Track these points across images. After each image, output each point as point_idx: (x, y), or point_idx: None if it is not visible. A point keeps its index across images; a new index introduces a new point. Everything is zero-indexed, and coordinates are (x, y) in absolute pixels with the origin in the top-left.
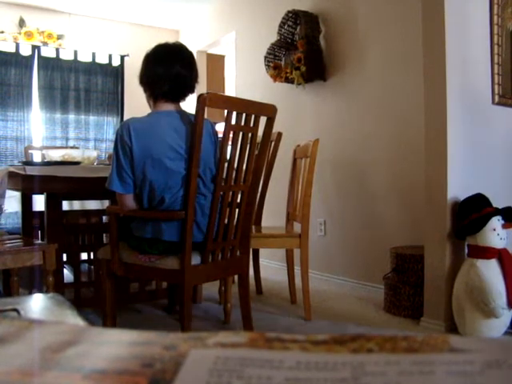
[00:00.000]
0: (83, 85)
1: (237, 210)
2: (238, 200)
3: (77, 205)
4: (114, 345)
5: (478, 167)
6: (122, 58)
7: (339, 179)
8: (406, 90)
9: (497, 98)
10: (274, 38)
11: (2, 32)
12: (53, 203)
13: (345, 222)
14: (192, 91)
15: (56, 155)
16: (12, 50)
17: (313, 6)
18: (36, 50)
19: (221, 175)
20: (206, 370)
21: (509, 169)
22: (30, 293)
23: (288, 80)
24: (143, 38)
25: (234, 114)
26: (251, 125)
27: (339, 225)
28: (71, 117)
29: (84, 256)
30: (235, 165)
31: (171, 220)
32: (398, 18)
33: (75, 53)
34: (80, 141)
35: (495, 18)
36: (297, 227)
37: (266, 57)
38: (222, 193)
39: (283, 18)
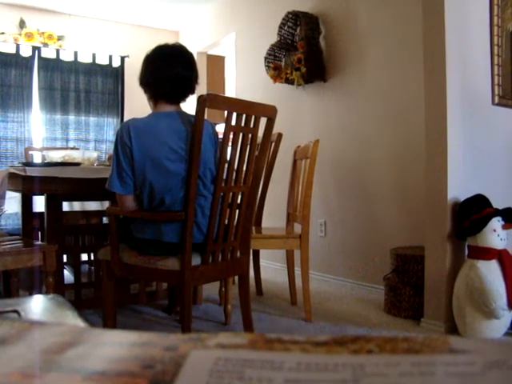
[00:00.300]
0: (83, 86)
1: (237, 210)
2: (238, 201)
3: (77, 206)
4: (115, 346)
5: (478, 168)
6: (122, 58)
7: (339, 180)
8: (406, 90)
9: (497, 98)
10: (274, 38)
11: (3, 33)
12: (53, 204)
13: (345, 222)
14: (192, 92)
15: (56, 156)
16: (12, 51)
17: (313, 7)
18: (36, 51)
19: (221, 176)
20: (207, 371)
21: (509, 169)
22: (30, 294)
23: (288, 81)
24: (143, 39)
25: (234, 114)
26: (251, 126)
27: (339, 226)
28: (71, 118)
29: (84, 257)
30: (235, 166)
31: (171, 221)
32: (398, 18)
33: (75, 54)
34: (80, 142)
35: (495, 18)
36: (297, 228)
37: (266, 58)
38: (222, 194)
39: (283, 19)
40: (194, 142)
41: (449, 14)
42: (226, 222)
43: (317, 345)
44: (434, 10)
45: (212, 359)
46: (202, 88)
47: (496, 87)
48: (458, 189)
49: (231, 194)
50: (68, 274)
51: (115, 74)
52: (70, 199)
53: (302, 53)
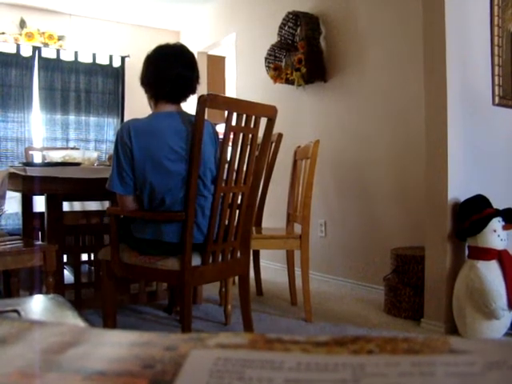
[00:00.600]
0: (84, 86)
1: (237, 211)
2: (239, 201)
3: (77, 206)
4: (115, 346)
5: (478, 168)
6: (123, 58)
7: (340, 180)
8: (407, 91)
9: (497, 99)
10: (274, 39)
11: (3, 33)
12: (53, 204)
13: (345, 223)
14: (193, 92)
15: (56, 156)
16: (13, 50)
17: (313, 7)
18: (37, 51)
19: (221, 176)
20: (207, 371)
21: (509, 170)
22: (31, 294)
23: (288, 81)
24: (144, 39)
25: (235, 115)
26: (252, 126)
27: (340, 226)
28: (71, 118)
29: (84, 257)
30: (235, 166)
31: (171, 221)
32: (399, 19)
33: (76, 54)
34: (80, 142)
35: (495, 19)
36: (297, 228)
37: (266, 58)
38: (222, 194)
39: (283, 20)
40: (194, 141)
41: (449, 14)
42: (226, 222)
43: (317, 345)
44: (434, 10)
45: (212, 359)
46: (202, 88)
47: (496, 87)
48: (459, 189)
49: (231, 194)
50: (68, 274)
51: (116, 74)
52: (71, 199)
53: (303, 53)
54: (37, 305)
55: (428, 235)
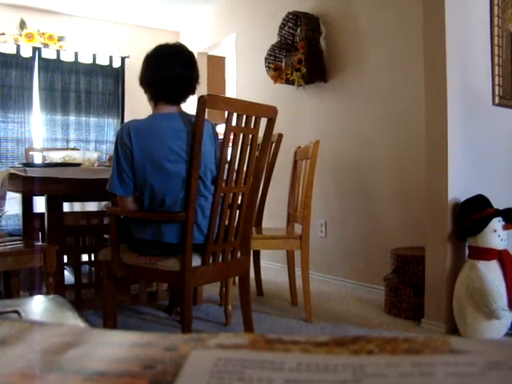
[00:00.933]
0: (84, 86)
1: (237, 211)
2: (239, 201)
3: (77, 206)
4: (115, 346)
5: (478, 168)
6: (123, 59)
7: (340, 180)
8: (407, 91)
9: (497, 99)
10: (274, 39)
11: (3, 34)
12: (53, 205)
13: (345, 223)
14: (193, 92)
15: (57, 157)
16: (13, 51)
17: (313, 7)
18: (37, 52)
19: (221, 176)
20: (207, 372)
21: (509, 170)
22: (31, 295)
23: (288, 81)
24: (144, 40)
25: (235, 115)
26: (252, 126)
27: (340, 226)
28: (72, 118)
29: (85, 258)
30: (236, 166)
31: (172, 221)
32: (399, 19)
33: (76, 54)
34: (80, 142)
35: (495, 19)
36: (297, 228)
37: (266, 58)
38: (222, 194)
39: (284, 20)
40: (194, 142)
41: (449, 15)
42: (227, 222)
43: (317, 345)
44: (434, 11)
45: (212, 359)
46: (202, 89)
47: (496, 87)
48: (459, 189)
49: (232, 194)
50: (68, 275)
51: (116, 75)
52: (71, 200)
53: (303, 53)
54: (37, 305)
55: (428, 235)
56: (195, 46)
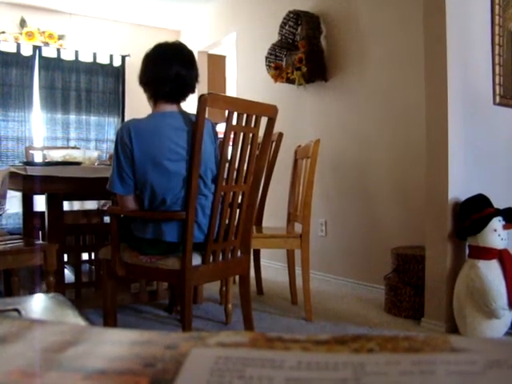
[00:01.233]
0: (84, 85)
1: (238, 210)
2: (239, 200)
3: (77, 205)
4: (115, 344)
5: (478, 168)
6: (123, 58)
7: (340, 180)
8: (407, 90)
9: (498, 98)
10: (274, 38)
11: (3, 32)
12: (54, 203)
13: (346, 222)
14: (193, 91)
15: (57, 155)
16: (13, 50)
17: (314, 6)
18: (37, 51)
19: (222, 175)
20: (207, 370)
21: (510, 169)
22: (31, 293)
23: (289, 80)
24: (144, 39)
25: (235, 114)
26: (252, 125)
27: (340, 225)
28: (72, 117)
29: (85, 256)
30: (236, 165)
31: (172, 220)
32: (399, 18)
33: (76, 53)
34: (81, 141)
35: (496, 18)
36: (298, 228)
37: (267, 57)
38: (222, 193)
39: (284, 19)
40: (194, 141)
41: (450, 14)
42: (227, 221)
43: (317, 344)
44: (435, 10)
45: (213, 358)
46: (202, 87)
47: (497, 87)
48: (459, 189)
49: (232, 193)
50: (69, 274)
51: (116, 74)
52: (71, 198)
53: (303, 52)
54: (37, 304)
55: (428, 234)
56: (196, 45)
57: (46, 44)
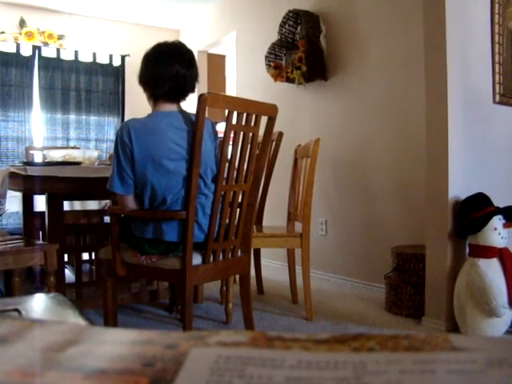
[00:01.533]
0: (84, 85)
1: (238, 209)
2: (239, 200)
3: (77, 205)
4: (115, 344)
5: (479, 166)
6: (123, 57)
7: (340, 179)
8: (407, 89)
9: (498, 97)
10: (274, 37)
11: (3, 32)
12: (54, 203)
13: (346, 221)
14: (192, 90)
15: (57, 155)
16: (13, 50)
17: (313, 5)
18: (37, 51)
19: (222, 175)
20: (207, 369)
21: (510, 168)
22: (32, 293)
23: (289, 80)
24: (144, 38)
25: (235, 113)
26: (252, 124)
27: (340, 224)
28: (72, 117)
29: (85, 256)
30: (236, 165)
31: (172, 220)
32: (399, 17)
33: (76, 53)
34: (81, 141)
35: (496, 16)
36: (298, 227)
37: (266, 56)
38: (222, 192)
39: (284, 18)
40: (194, 140)
41: (450, 13)
42: (227, 220)
43: (318, 343)
44: (434, 9)
45: (213, 357)
46: (202, 87)
47: (497, 85)
48: (459, 187)
49: (232, 192)
50: (69, 273)
51: (116, 73)
52: (71, 198)
53: (303, 51)
54: (38, 304)
55: (429, 233)
56: (195, 45)
57: (46, 44)
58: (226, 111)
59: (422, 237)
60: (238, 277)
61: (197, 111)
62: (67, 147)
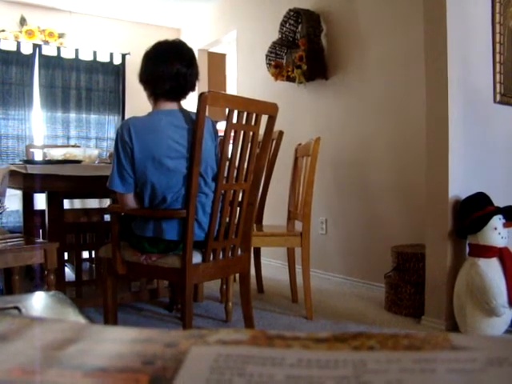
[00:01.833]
0: (84, 83)
1: (238, 208)
2: (240, 198)
3: (77, 203)
4: (115, 342)
5: (479, 166)
6: (123, 56)
7: (340, 178)
8: (408, 88)
9: (498, 96)
10: (275, 36)
11: (3, 30)
12: (54, 202)
13: (346, 220)
14: (193, 89)
15: (57, 154)
16: (13, 48)
17: (314, 4)
18: (37, 49)
19: (222, 174)
20: (207, 368)
21: (510, 167)
22: (32, 291)
23: (289, 78)
24: (144, 37)
25: (236, 112)
26: (252, 123)
27: (340, 223)
28: (72, 115)
29: (85, 255)
30: (236, 163)
31: (172, 219)
32: (400, 16)
33: (76, 51)
34: (81, 139)
35: (497, 16)
36: (298, 226)
37: (267, 55)
38: (223, 191)
39: (284, 17)
40: (195, 139)
41: (450, 12)
42: (227, 219)
43: (318, 341)
44: (435, 8)
45: (213, 355)
46: (203, 86)
47: (498, 85)
48: (459, 187)
49: (232, 191)
50: (69, 272)
51: (116, 72)
52: (71, 197)
53: (304, 50)
54: (38, 302)
55: (429, 233)
56: (196, 43)
57: (46, 42)
58: (227, 110)
59: (422, 236)
60: (238, 275)
61: (197, 110)
62: (67, 145)
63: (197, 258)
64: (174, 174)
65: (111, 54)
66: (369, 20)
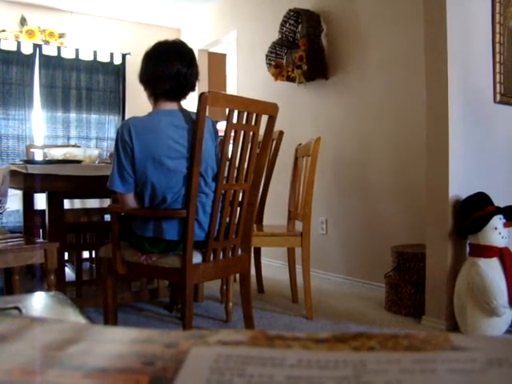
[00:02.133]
0: (85, 83)
1: (238, 208)
2: (240, 199)
3: (78, 203)
4: (115, 343)
5: (479, 166)
6: (124, 56)
7: (341, 178)
8: (408, 88)
9: (498, 96)
10: (275, 36)
11: (4, 30)
12: (54, 202)
13: (346, 220)
14: (193, 89)
15: (57, 154)
16: (13, 48)
17: (314, 4)
18: (37, 49)
19: (222, 174)
20: (208, 368)
21: (510, 167)
22: (32, 291)
23: (289, 79)
24: (145, 37)
25: (236, 112)
26: (253, 123)
27: (341, 223)
28: (72, 115)
29: (85, 255)
30: (236, 163)
31: (172, 219)
32: (400, 16)
33: (77, 51)
34: (81, 139)
35: (497, 16)
36: (298, 226)
37: (267, 55)
38: (223, 191)
39: (284, 17)
40: (195, 139)
41: (451, 12)
42: (228, 219)
43: (318, 342)
44: (435, 8)
45: (213, 356)
46: (203, 86)
47: (498, 85)
48: (460, 187)
49: (232, 191)
50: (69, 272)
51: (116, 72)
52: (72, 197)
53: (304, 50)
54: (38, 302)
55: (429, 233)
56: (196, 43)
57: (47, 42)
58: (227, 110)
59: (422, 236)
60: (238, 276)
61: (197, 110)
62: (68, 145)
63: (197, 258)
64: (174, 174)
65: (111, 54)
66: (369, 20)
